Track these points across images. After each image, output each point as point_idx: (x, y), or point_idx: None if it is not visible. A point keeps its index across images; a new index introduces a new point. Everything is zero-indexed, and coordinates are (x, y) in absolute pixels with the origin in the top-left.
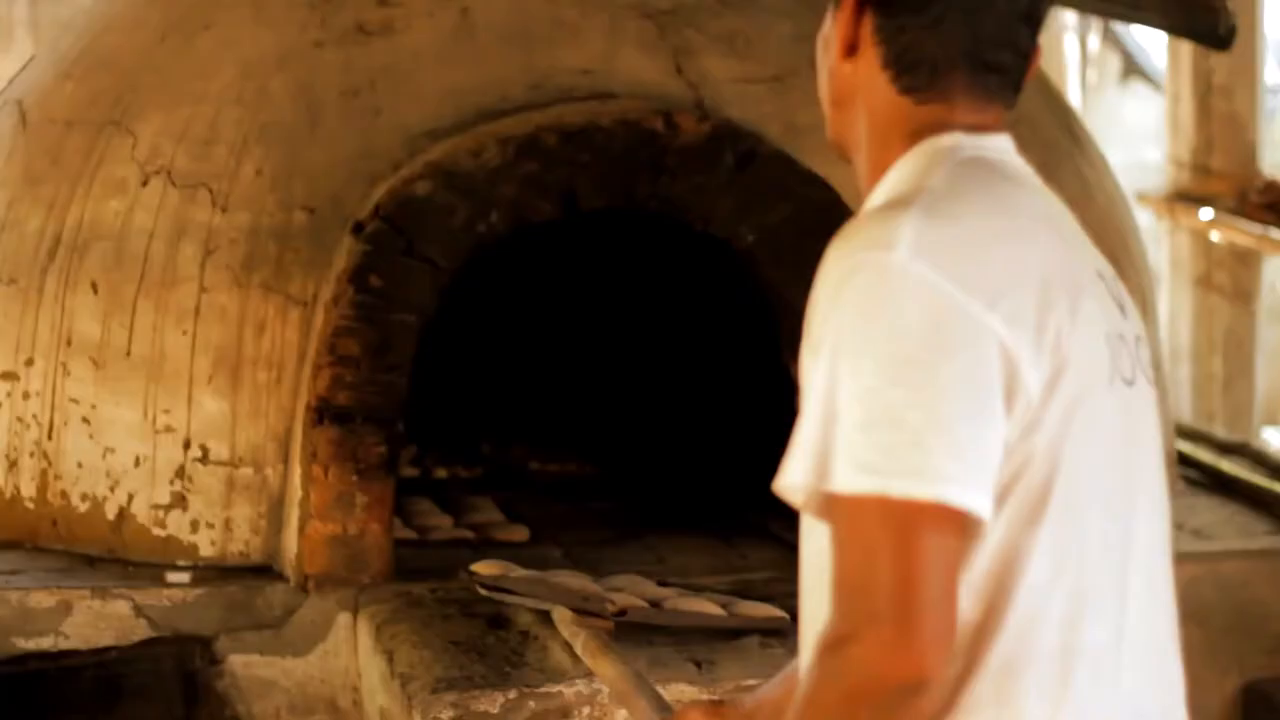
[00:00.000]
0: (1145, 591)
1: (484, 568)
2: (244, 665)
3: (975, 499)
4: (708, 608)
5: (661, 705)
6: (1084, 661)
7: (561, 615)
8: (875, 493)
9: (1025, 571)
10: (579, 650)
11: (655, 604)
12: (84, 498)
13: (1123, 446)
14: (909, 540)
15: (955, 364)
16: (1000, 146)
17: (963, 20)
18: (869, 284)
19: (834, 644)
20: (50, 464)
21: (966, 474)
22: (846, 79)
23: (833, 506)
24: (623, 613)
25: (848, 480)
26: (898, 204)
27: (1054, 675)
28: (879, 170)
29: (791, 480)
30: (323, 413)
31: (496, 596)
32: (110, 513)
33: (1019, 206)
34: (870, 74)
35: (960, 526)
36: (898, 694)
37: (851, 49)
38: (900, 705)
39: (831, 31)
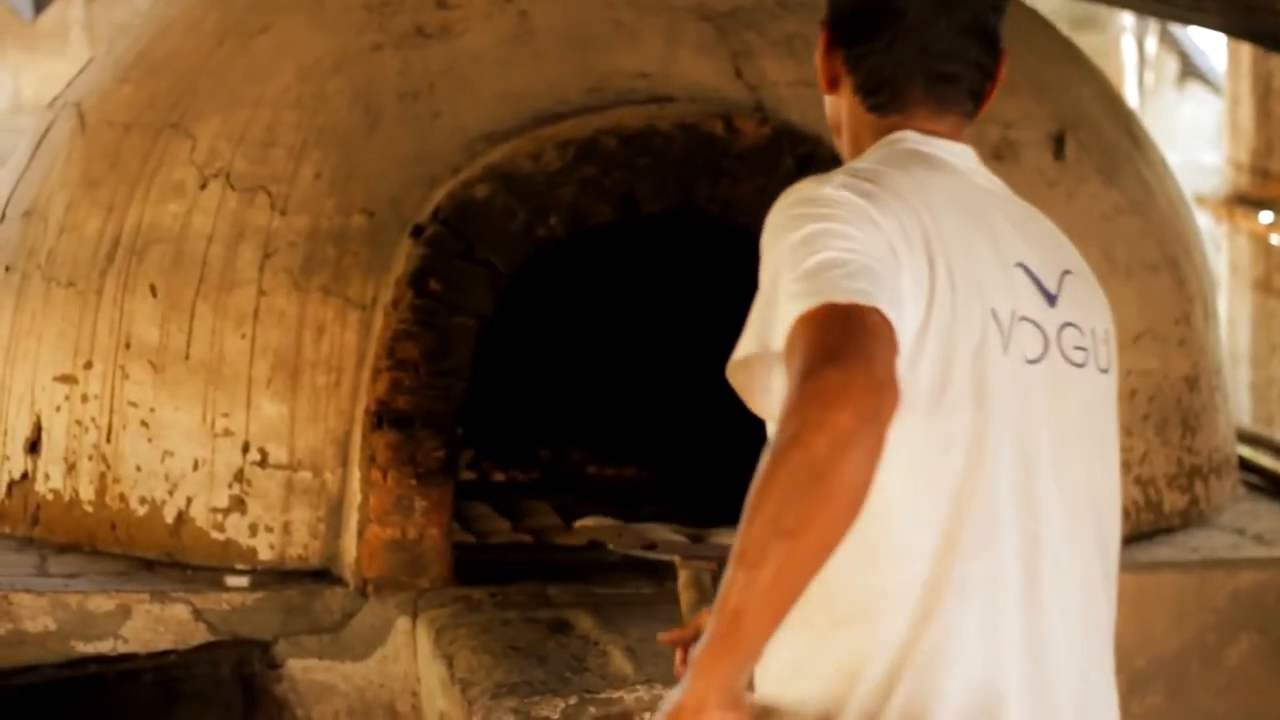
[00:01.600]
0: (1061, 542)
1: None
2: (303, 669)
3: (894, 315)
4: None
5: None
6: (953, 591)
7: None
8: (822, 303)
9: (898, 506)
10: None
11: None
12: (143, 501)
13: (1027, 416)
14: (858, 319)
15: (870, 235)
16: (948, 149)
17: (912, 40)
18: (804, 200)
19: (790, 402)
20: (109, 467)
21: (887, 298)
22: (835, 109)
23: (786, 343)
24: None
25: (795, 310)
26: (834, 172)
27: (921, 601)
28: None
29: (741, 353)
30: (381, 416)
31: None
32: (169, 516)
33: (933, 189)
34: (849, 100)
35: (891, 333)
36: (862, 420)
37: (833, 83)
38: (865, 433)
39: (819, 70)
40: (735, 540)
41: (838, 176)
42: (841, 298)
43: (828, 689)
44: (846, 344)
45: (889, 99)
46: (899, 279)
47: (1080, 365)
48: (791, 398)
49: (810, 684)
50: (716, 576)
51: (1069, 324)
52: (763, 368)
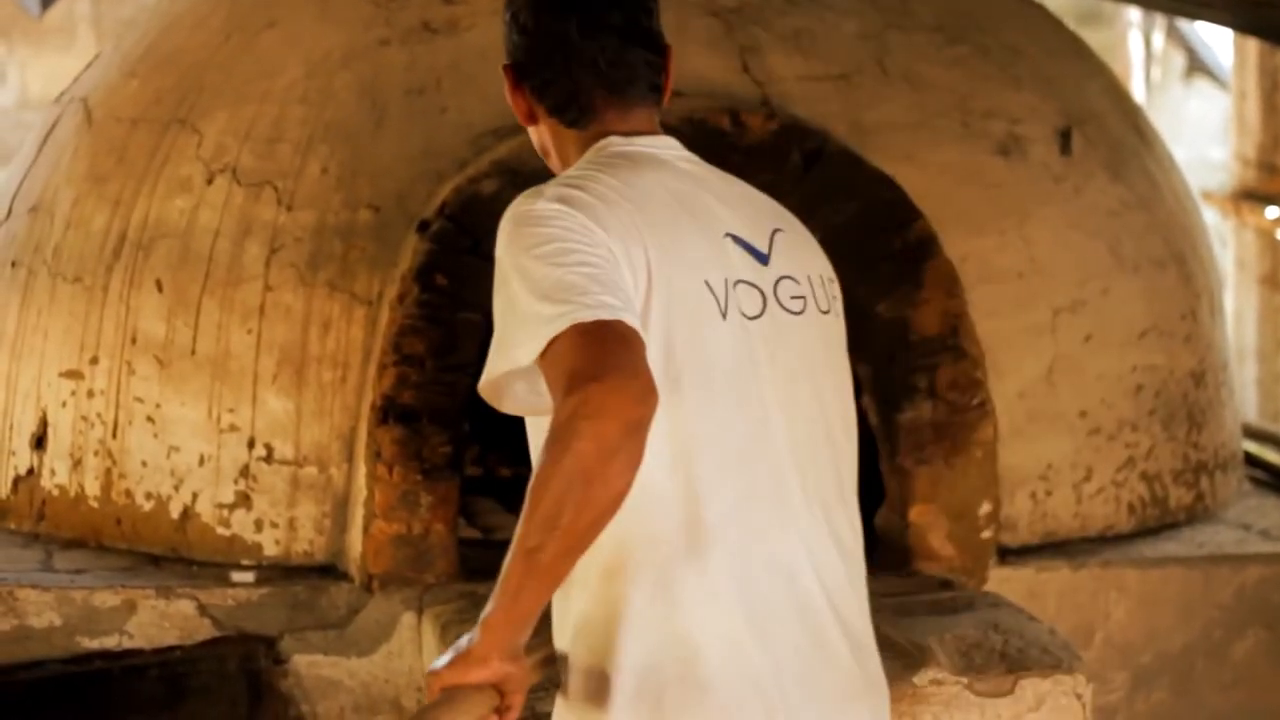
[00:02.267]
0: (796, 468)
1: None
2: (308, 665)
3: (635, 321)
4: None
5: None
6: (709, 532)
7: None
8: (572, 324)
9: (652, 464)
10: None
11: None
12: (148, 497)
13: (751, 365)
14: (599, 336)
15: (591, 242)
16: (650, 143)
17: (583, 59)
18: (524, 219)
19: (562, 415)
20: (115, 463)
21: (625, 305)
22: (541, 139)
23: (542, 362)
24: None
25: (548, 333)
26: (543, 186)
27: (686, 544)
28: None
29: (493, 374)
30: (388, 412)
31: None
32: (174, 512)
33: (637, 183)
34: (549, 125)
35: (638, 337)
36: (628, 429)
37: (530, 117)
38: (628, 442)
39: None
40: (517, 528)
41: (549, 189)
42: (588, 316)
43: (603, 634)
44: (605, 359)
45: (579, 113)
46: (624, 277)
47: (799, 313)
48: (563, 411)
49: (592, 632)
50: None
51: (784, 276)
52: (509, 379)
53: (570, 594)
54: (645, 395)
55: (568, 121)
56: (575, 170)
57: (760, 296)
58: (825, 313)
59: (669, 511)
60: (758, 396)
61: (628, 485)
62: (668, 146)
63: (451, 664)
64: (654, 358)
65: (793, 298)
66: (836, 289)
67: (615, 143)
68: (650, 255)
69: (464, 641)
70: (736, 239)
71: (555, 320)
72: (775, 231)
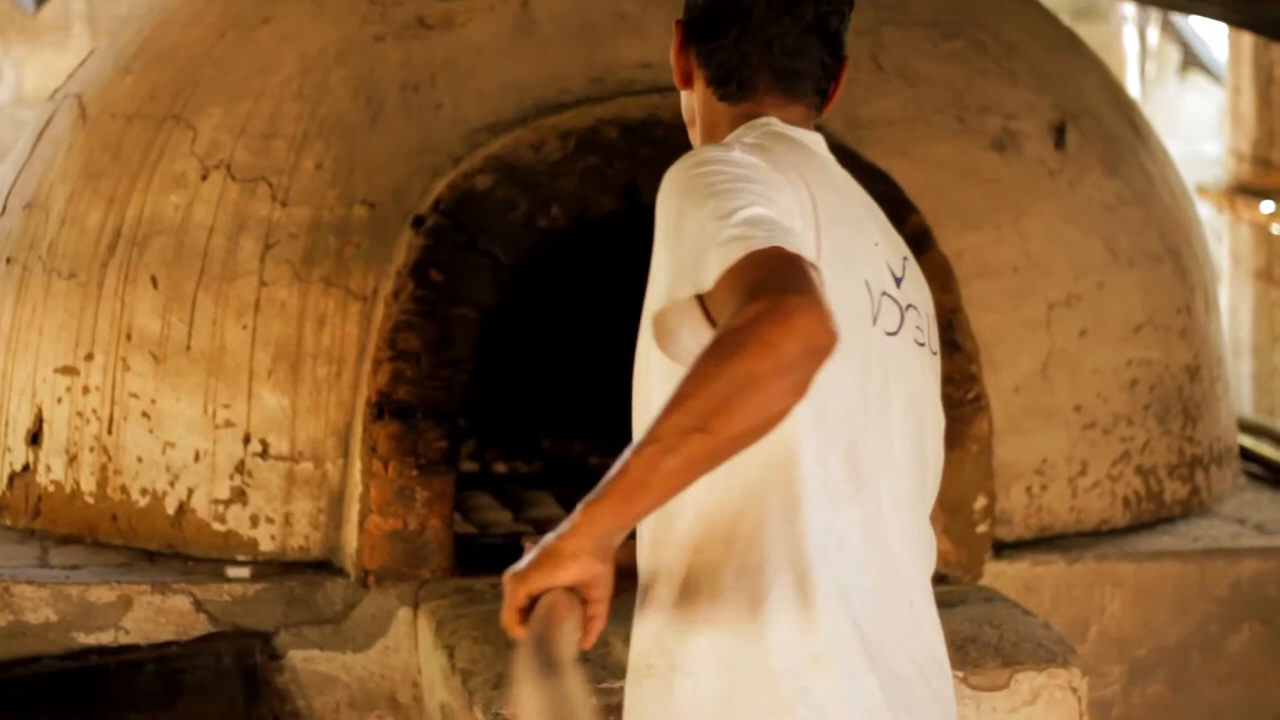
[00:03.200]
0: (899, 495)
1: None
2: (304, 660)
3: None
4: None
5: None
6: (844, 538)
7: None
8: (773, 246)
9: (801, 455)
10: None
11: None
12: (144, 492)
13: (884, 380)
14: (798, 263)
15: (786, 203)
16: (808, 135)
17: (757, 36)
18: (714, 159)
19: (743, 316)
20: (110, 459)
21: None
22: (688, 103)
23: (723, 279)
24: None
25: (742, 249)
26: (726, 142)
27: (825, 549)
28: None
29: (672, 297)
30: (383, 407)
31: None
32: (170, 507)
33: (812, 168)
34: (702, 93)
35: (818, 276)
36: (810, 350)
37: (686, 79)
38: (805, 364)
39: (673, 67)
40: (653, 420)
41: (735, 146)
42: (791, 247)
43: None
44: (804, 282)
45: (738, 88)
46: (812, 237)
47: (921, 344)
48: (746, 312)
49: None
50: None
51: (911, 305)
52: (682, 322)
53: (684, 581)
54: (833, 331)
55: (723, 95)
56: (750, 139)
57: (899, 314)
58: (934, 353)
59: (813, 511)
60: (886, 411)
61: (787, 411)
62: (821, 144)
63: (538, 563)
64: None
65: (916, 327)
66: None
67: (775, 124)
68: (822, 237)
69: (550, 537)
70: (881, 251)
71: (755, 240)
72: (904, 258)
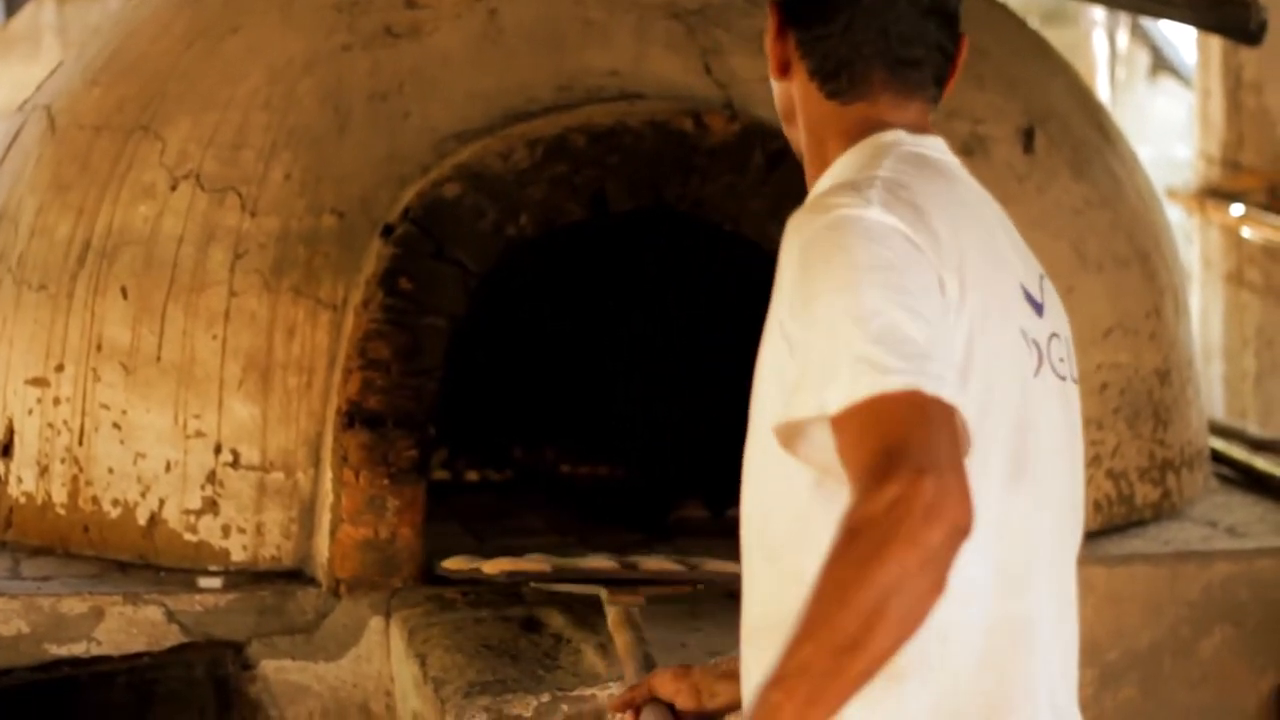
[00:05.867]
0: (1049, 567)
1: (523, 564)
2: (276, 670)
3: (964, 409)
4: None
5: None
6: (1009, 632)
7: (606, 596)
8: (905, 389)
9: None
10: (609, 625)
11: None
12: (115, 503)
13: (1035, 431)
14: (938, 418)
15: (929, 289)
16: (936, 146)
17: (870, 23)
18: (851, 227)
19: (876, 506)
20: (81, 470)
21: (958, 383)
22: (785, 95)
23: (850, 417)
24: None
25: (866, 384)
26: (860, 183)
27: (980, 645)
28: (819, 166)
29: (793, 414)
30: (353, 417)
31: (543, 587)
32: (141, 518)
33: (950, 202)
34: (803, 86)
35: (965, 431)
36: (950, 539)
37: (784, 68)
38: (947, 554)
39: (769, 54)
40: (791, 642)
41: (874, 192)
42: (930, 387)
43: None
44: (939, 446)
45: (848, 84)
46: (952, 335)
47: (1064, 378)
48: (880, 502)
49: None
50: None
51: (1054, 334)
52: (814, 424)
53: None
54: (972, 508)
55: (831, 92)
56: (886, 172)
57: (1038, 353)
58: (1076, 381)
59: (976, 603)
60: (1039, 474)
61: (932, 608)
62: (948, 152)
63: None
64: (971, 413)
65: (1059, 360)
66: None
67: (905, 141)
68: (975, 299)
69: None
70: (1020, 282)
71: (890, 374)
72: (1041, 277)
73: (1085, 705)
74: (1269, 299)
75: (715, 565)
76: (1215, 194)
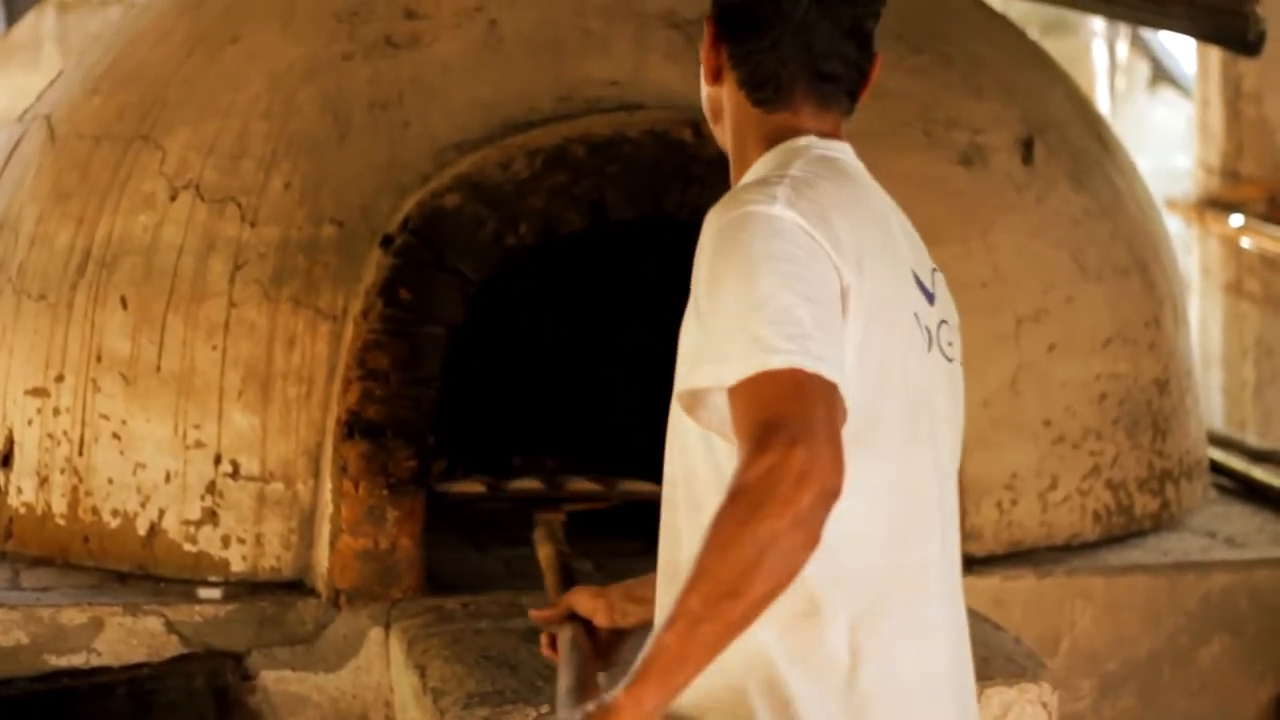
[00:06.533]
0: (950, 525)
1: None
2: (276, 681)
3: (844, 387)
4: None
5: (569, 585)
6: (896, 584)
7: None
8: (788, 366)
9: (858, 501)
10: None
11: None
12: (115, 514)
13: (928, 408)
14: (814, 393)
15: (824, 277)
16: (845, 150)
17: (796, 41)
18: (755, 222)
19: (755, 473)
20: (81, 480)
21: (840, 364)
22: (715, 99)
23: (740, 391)
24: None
25: (756, 361)
26: (770, 181)
27: (885, 590)
28: (742, 166)
29: (694, 383)
30: (353, 427)
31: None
32: (141, 529)
33: (851, 199)
34: (732, 93)
35: (843, 405)
36: (820, 499)
37: (716, 75)
38: (818, 514)
39: (703, 61)
40: (682, 590)
41: (780, 190)
42: (810, 365)
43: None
44: (814, 419)
45: (773, 95)
46: (841, 318)
47: (951, 360)
48: (757, 467)
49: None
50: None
51: (943, 321)
52: (712, 392)
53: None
54: (842, 469)
55: (757, 100)
56: (796, 171)
57: (929, 336)
58: (960, 364)
59: (873, 552)
60: (929, 442)
61: (805, 563)
62: (854, 156)
63: None
64: (867, 391)
65: (948, 344)
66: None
67: (818, 145)
68: (872, 288)
69: (594, 708)
70: (913, 272)
71: (776, 353)
72: (933, 270)
73: (1084, 715)
74: (1268, 309)
75: (631, 485)
76: (1215, 204)
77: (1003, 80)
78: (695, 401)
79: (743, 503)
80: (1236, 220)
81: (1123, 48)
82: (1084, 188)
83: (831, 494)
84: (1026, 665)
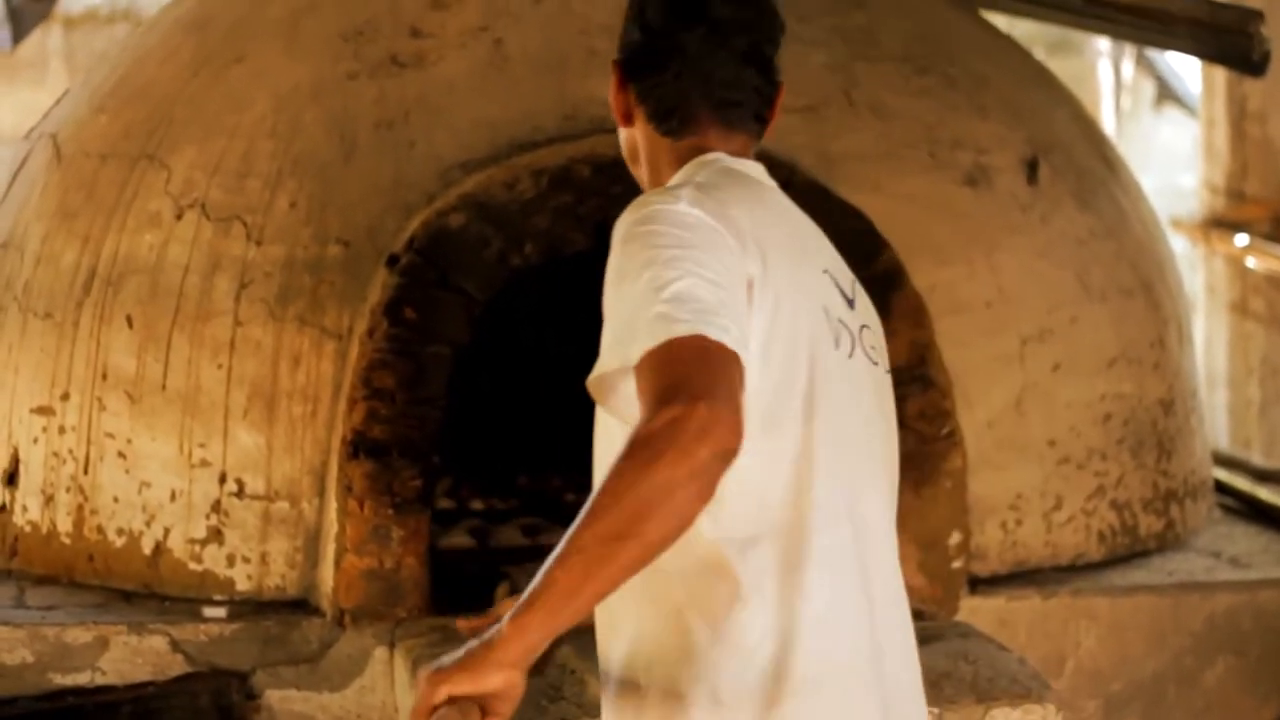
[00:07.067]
0: (876, 514)
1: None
2: (281, 700)
3: (747, 362)
4: None
5: None
6: (817, 562)
7: None
8: (691, 334)
9: (776, 479)
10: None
11: None
12: (120, 532)
13: (851, 402)
14: (717, 358)
15: (727, 264)
16: (753, 167)
17: (696, 71)
18: (659, 216)
19: (656, 424)
20: (86, 499)
21: (744, 341)
22: (630, 140)
23: (645, 361)
24: None
25: (664, 333)
26: (674, 187)
27: (795, 564)
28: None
29: (604, 369)
30: (358, 446)
31: None
32: (146, 547)
33: (756, 202)
34: (643, 129)
35: (744, 376)
36: (718, 457)
37: (627, 117)
38: (714, 469)
39: (613, 107)
40: (574, 528)
41: (684, 191)
42: (714, 334)
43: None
44: (716, 381)
45: (679, 123)
46: (746, 303)
47: (876, 363)
48: (661, 418)
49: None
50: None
51: (865, 325)
52: (621, 378)
53: (632, 600)
54: (741, 434)
55: (665, 130)
56: (700, 178)
57: (851, 338)
58: (887, 371)
59: (786, 530)
60: (854, 436)
61: (697, 514)
62: (765, 174)
63: (465, 667)
64: (779, 379)
65: (871, 347)
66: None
67: (723, 158)
68: (778, 276)
69: (475, 643)
70: (831, 275)
71: (679, 324)
72: (853, 281)
73: None
74: (1273, 328)
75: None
76: (1220, 223)
77: (1008, 101)
78: (605, 388)
79: (642, 450)
80: (1241, 240)
81: (1128, 67)
82: (1089, 208)
83: (729, 453)
84: (1032, 686)
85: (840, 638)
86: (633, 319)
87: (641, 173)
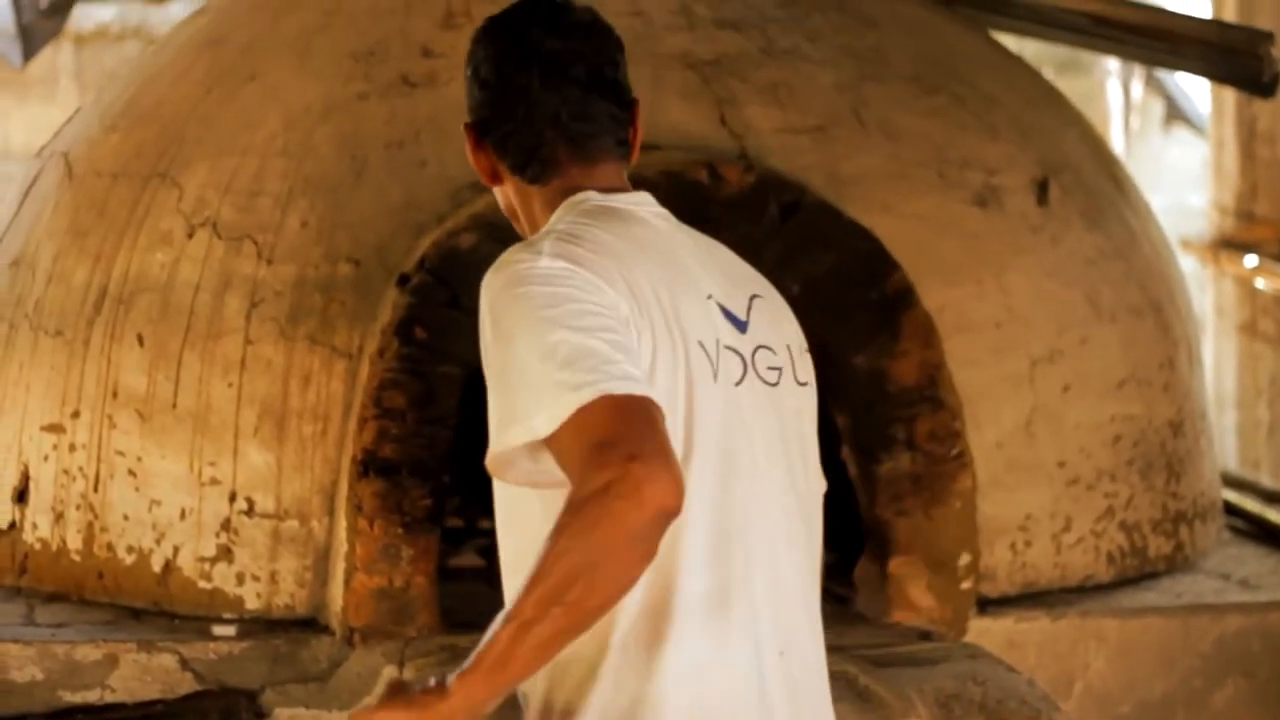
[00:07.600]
0: (778, 539)
1: None
2: (290, 718)
3: (657, 398)
4: None
5: None
6: (691, 607)
7: None
8: (599, 395)
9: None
10: None
11: None
12: (130, 550)
13: (740, 433)
14: (633, 412)
15: (603, 305)
16: (627, 199)
17: (543, 111)
18: (525, 276)
19: (592, 487)
20: (96, 516)
21: (646, 378)
22: (505, 198)
23: (561, 433)
24: None
25: (568, 401)
26: (535, 241)
27: (665, 613)
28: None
29: (509, 444)
30: (368, 465)
31: None
32: (156, 565)
33: (627, 239)
34: (511, 182)
35: (663, 418)
36: (658, 518)
37: (493, 176)
38: (654, 531)
39: (477, 170)
40: (518, 594)
41: (546, 245)
42: (619, 388)
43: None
44: (642, 439)
45: (541, 168)
46: (634, 342)
47: (774, 385)
48: (592, 484)
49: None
50: None
51: (761, 346)
52: (521, 453)
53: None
54: (680, 486)
55: (530, 178)
56: (563, 225)
57: (741, 363)
58: (803, 385)
59: (651, 580)
60: (747, 467)
61: (639, 578)
62: (643, 203)
63: (412, 710)
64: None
65: (769, 368)
66: (810, 360)
67: (593, 197)
68: (651, 314)
69: (418, 690)
70: (717, 302)
71: (582, 389)
72: (753, 298)
73: None
74: None
75: None
76: (1229, 244)
77: (1017, 121)
78: (503, 464)
79: (582, 517)
80: (1251, 261)
81: (1138, 87)
82: (1098, 228)
83: (670, 512)
84: (1041, 708)
85: (711, 685)
86: (528, 391)
87: (523, 227)
